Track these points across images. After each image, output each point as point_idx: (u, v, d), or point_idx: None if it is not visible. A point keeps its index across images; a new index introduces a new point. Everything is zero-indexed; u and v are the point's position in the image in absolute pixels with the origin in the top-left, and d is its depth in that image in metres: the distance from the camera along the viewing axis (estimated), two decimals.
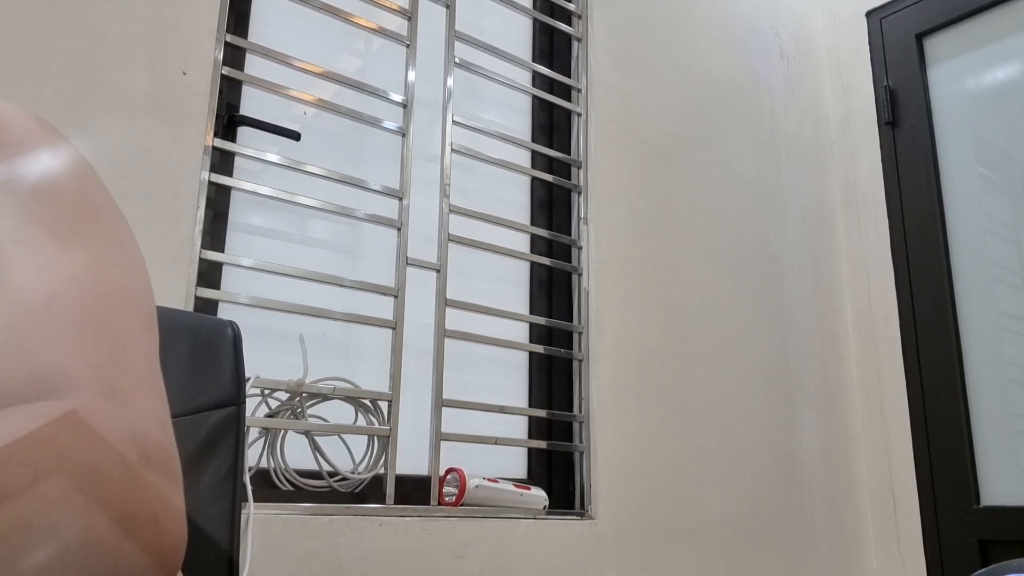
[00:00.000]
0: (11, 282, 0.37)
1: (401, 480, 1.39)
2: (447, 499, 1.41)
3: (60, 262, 0.39)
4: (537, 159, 1.77)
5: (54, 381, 0.34)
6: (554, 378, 1.67)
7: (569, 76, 1.84)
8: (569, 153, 1.79)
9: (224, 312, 1.29)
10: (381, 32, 1.53)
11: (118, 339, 0.38)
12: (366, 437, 1.37)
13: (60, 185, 0.42)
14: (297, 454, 1.29)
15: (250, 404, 1.26)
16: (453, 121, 1.59)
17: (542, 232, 1.69)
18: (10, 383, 0.34)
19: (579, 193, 1.75)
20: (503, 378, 1.64)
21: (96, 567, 0.29)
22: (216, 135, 1.29)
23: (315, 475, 1.30)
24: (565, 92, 1.82)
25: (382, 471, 1.35)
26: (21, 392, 0.34)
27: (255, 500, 1.13)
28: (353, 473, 1.33)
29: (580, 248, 1.72)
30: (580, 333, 1.67)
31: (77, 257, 0.39)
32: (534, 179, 1.76)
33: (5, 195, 0.40)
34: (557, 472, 1.63)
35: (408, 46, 1.57)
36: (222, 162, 1.33)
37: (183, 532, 0.33)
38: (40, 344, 0.35)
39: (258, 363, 1.33)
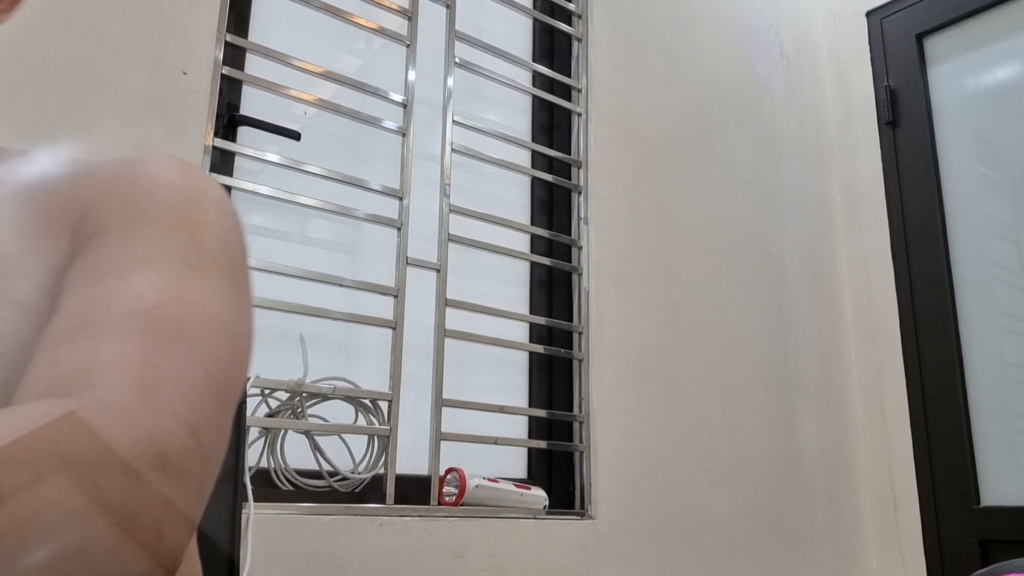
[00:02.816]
0: (126, 290, 0.40)
1: (401, 480, 1.39)
2: (447, 499, 1.41)
3: (178, 285, 0.41)
4: (537, 159, 1.77)
5: (96, 373, 0.35)
6: (554, 378, 1.67)
7: (569, 76, 1.84)
8: (569, 153, 1.79)
9: None
10: (381, 32, 1.53)
11: (193, 355, 0.38)
12: (366, 437, 1.37)
13: (208, 229, 0.46)
14: (297, 454, 1.29)
15: (250, 404, 1.26)
16: (453, 121, 1.59)
17: (542, 232, 1.69)
18: (51, 376, 0.36)
19: (579, 193, 1.75)
20: (503, 378, 1.64)
21: (94, 569, 0.29)
22: (216, 135, 1.29)
23: (315, 475, 1.30)
24: (565, 92, 1.82)
25: (382, 471, 1.35)
26: (52, 383, 0.35)
27: (255, 500, 1.13)
28: (353, 473, 1.33)
29: (580, 248, 1.72)
30: (580, 333, 1.67)
31: (196, 287, 0.42)
32: (534, 179, 1.76)
33: (155, 224, 0.44)
34: (557, 472, 1.63)
35: (408, 46, 1.57)
36: (222, 162, 1.33)
37: (184, 538, 0.33)
38: (113, 341, 0.37)
39: (258, 363, 1.33)
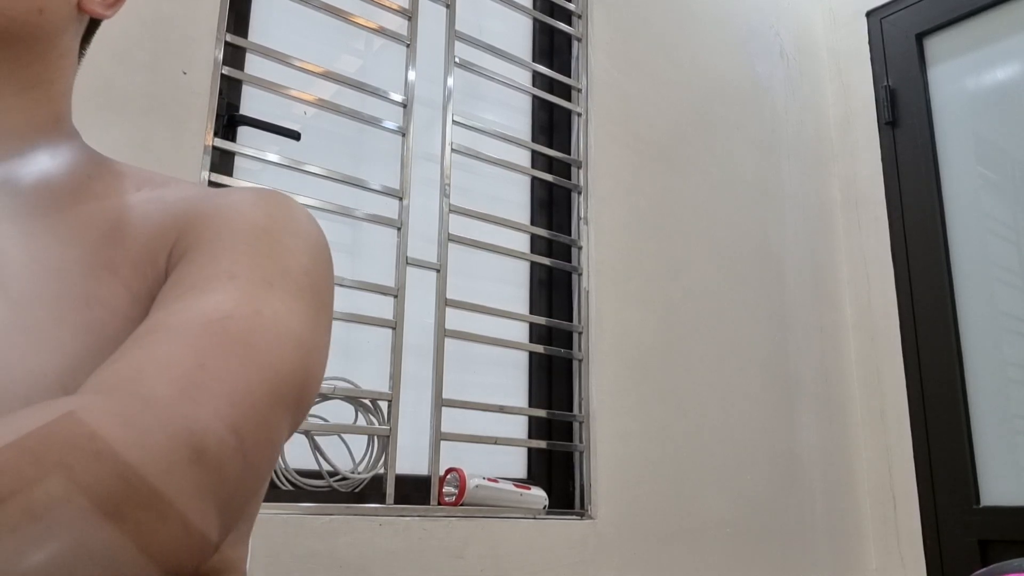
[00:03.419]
0: (202, 301, 0.41)
1: (401, 480, 1.39)
2: (447, 499, 1.41)
3: (255, 299, 0.42)
4: (537, 159, 1.77)
5: (145, 372, 0.36)
6: (554, 378, 1.67)
7: (569, 76, 1.84)
8: (569, 153, 1.79)
9: None
10: (381, 32, 1.53)
11: (251, 361, 0.39)
12: (366, 437, 1.37)
13: (294, 255, 0.48)
14: (297, 454, 1.29)
15: None
16: (453, 121, 1.59)
17: (542, 232, 1.69)
18: (107, 372, 0.36)
19: (579, 193, 1.75)
20: (503, 378, 1.64)
21: (117, 562, 0.29)
22: (216, 135, 1.29)
23: (315, 475, 1.30)
24: (565, 92, 1.82)
25: (382, 471, 1.35)
26: (105, 378, 0.36)
27: None
28: (353, 473, 1.33)
29: (580, 248, 1.72)
30: (580, 333, 1.67)
31: (272, 302, 0.43)
32: (534, 179, 1.76)
33: (243, 244, 0.46)
34: (557, 472, 1.63)
35: (408, 46, 1.57)
36: (222, 162, 1.33)
37: (214, 532, 0.33)
38: (171, 344, 0.38)
39: None
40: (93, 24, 0.60)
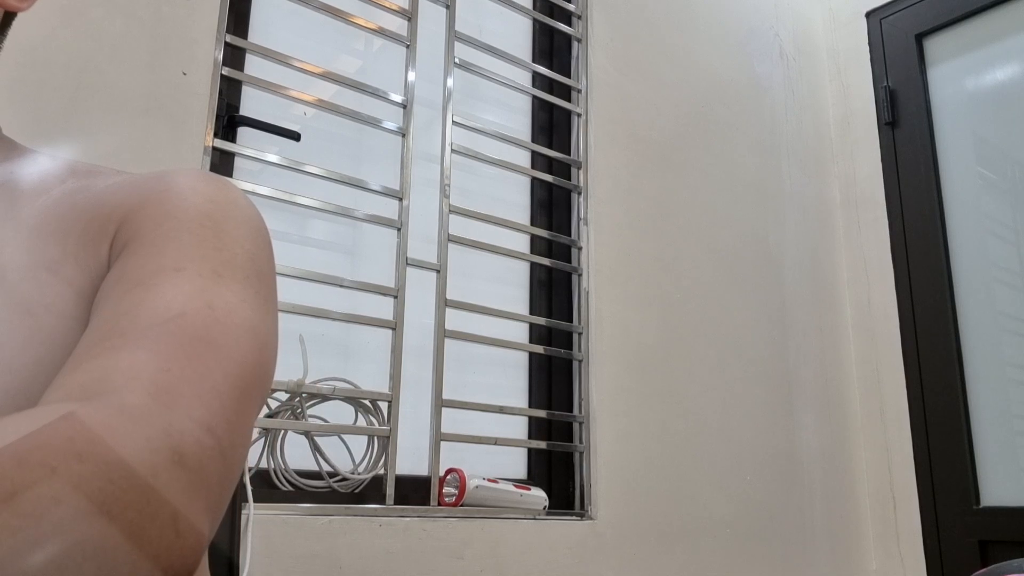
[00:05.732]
0: (153, 300, 0.41)
1: (401, 480, 1.39)
2: (447, 499, 1.41)
3: (206, 292, 0.42)
4: (537, 159, 1.77)
5: (111, 381, 0.35)
6: (554, 378, 1.67)
7: (569, 76, 1.84)
8: (569, 153, 1.79)
9: None
10: (381, 32, 1.53)
11: (212, 357, 0.39)
12: (366, 437, 1.37)
13: (238, 241, 0.47)
14: (297, 454, 1.29)
15: None
16: (453, 121, 1.59)
17: (542, 232, 1.69)
18: (70, 385, 0.36)
19: (579, 193, 1.75)
20: (503, 378, 1.64)
21: (111, 566, 0.29)
22: (216, 135, 1.29)
23: (315, 475, 1.30)
24: (565, 92, 1.82)
25: (382, 471, 1.35)
26: (70, 391, 0.35)
27: (255, 500, 1.13)
28: (353, 473, 1.33)
29: (580, 248, 1.72)
30: (580, 333, 1.67)
31: (223, 293, 0.43)
32: (534, 179, 1.76)
33: (186, 233, 0.45)
34: (557, 472, 1.63)
35: (408, 46, 1.57)
36: (222, 162, 1.33)
37: (204, 534, 0.33)
38: (132, 350, 0.37)
39: None
40: (8, 17, 0.57)
